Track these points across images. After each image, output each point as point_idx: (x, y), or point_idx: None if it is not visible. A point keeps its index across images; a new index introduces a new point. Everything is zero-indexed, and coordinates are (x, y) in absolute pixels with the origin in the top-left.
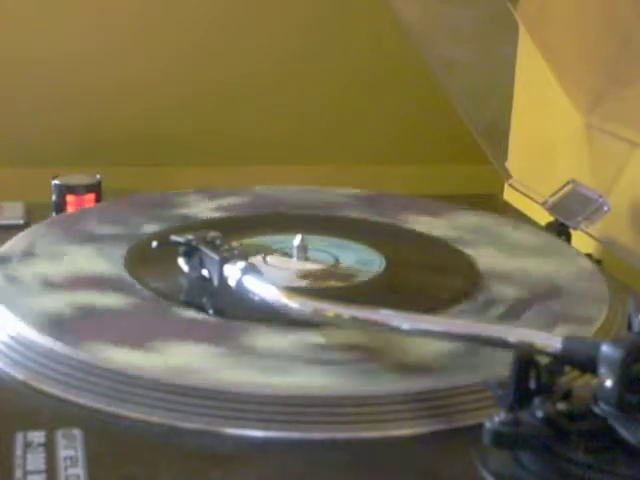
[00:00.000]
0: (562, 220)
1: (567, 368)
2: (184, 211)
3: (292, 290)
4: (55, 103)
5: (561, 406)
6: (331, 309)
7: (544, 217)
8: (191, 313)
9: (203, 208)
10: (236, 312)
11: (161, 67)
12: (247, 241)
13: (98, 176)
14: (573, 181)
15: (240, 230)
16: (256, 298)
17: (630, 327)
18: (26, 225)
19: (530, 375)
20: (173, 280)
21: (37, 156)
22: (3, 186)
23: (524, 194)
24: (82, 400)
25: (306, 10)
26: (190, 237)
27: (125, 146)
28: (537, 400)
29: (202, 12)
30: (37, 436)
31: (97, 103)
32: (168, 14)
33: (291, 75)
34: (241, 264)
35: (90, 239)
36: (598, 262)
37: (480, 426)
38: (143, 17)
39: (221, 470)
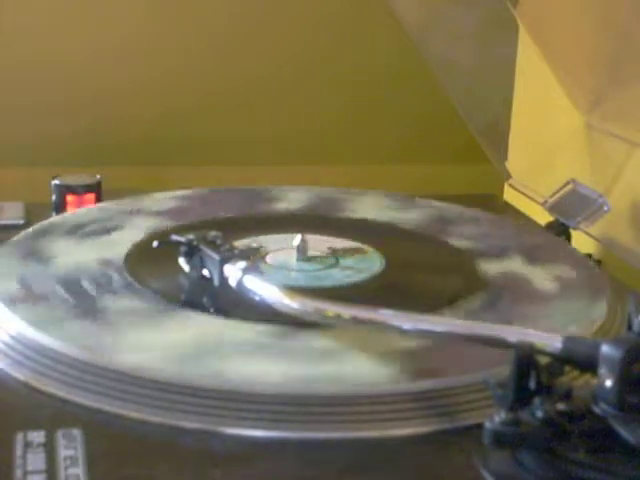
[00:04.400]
0: (562, 220)
1: (567, 368)
2: None
3: (293, 290)
4: (55, 104)
5: (561, 406)
6: (331, 309)
7: (544, 217)
8: (190, 312)
9: None
10: (236, 312)
11: (162, 67)
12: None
13: (98, 176)
14: (573, 181)
15: (240, 230)
16: (257, 298)
17: (630, 327)
18: (26, 225)
19: (530, 375)
20: (174, 280)
21: (37, 156)
22: (3, 186)
23: (524, 194)
24: (82, 400)
25: (308, 12)
26: (191, 237)
27: (125, 146)
28: (537, 400)
29: (205, 15)
30: (37, 436)
31: (97, 103)
32: (170, 16)
33: (291, 76)
34: (241, 264)
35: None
36: (598, 262)
37: (480, 426)
38: (145, 19)
39: (221, 470)
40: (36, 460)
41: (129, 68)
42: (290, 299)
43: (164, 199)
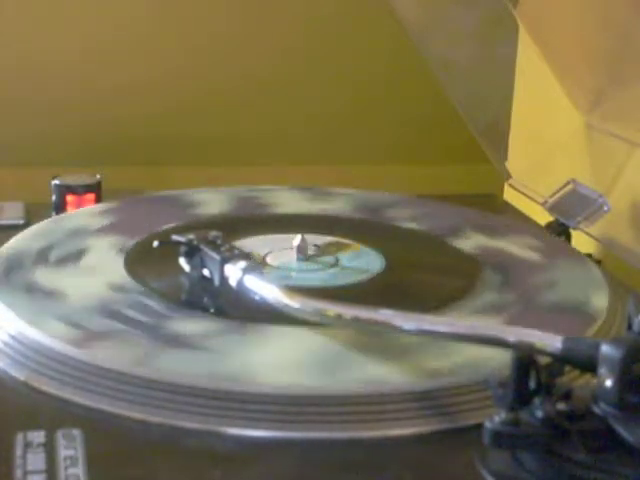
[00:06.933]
0: (562, 220)
1: (567, 368)
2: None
3: (293, 290)
4: (55, 103)
5: (561, 406)
6: (332, 309)
7: (544, 217)
8: (188, 312)
9: None
10: (237, 312)
11: (162, 67)
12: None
13: (98, 176)
14: (573, 181)
15: (240, 230)
16: (257, 298)
17: (630, 327)
18: (26, 225)
19: (530, 375)
20: (174, 280)
21: (37, 156)
22: (3, 186)
23: (524, 194)
24: (82, 400)
25: (307, 11)
26: (191, 236)
27: (125, 146)
28: (537, 400)
29: (203, 13)
30: (37, 436)
31: (97, 103)
32: (169, 15)
33: (291, 76)
34: (242, 264)
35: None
36: (598, 262)
37: (480, 426)
38: (144, 17)
39: (221, 470)
40: (36, 460)
41: (129, 67)
42: (290, 299)
43: None
